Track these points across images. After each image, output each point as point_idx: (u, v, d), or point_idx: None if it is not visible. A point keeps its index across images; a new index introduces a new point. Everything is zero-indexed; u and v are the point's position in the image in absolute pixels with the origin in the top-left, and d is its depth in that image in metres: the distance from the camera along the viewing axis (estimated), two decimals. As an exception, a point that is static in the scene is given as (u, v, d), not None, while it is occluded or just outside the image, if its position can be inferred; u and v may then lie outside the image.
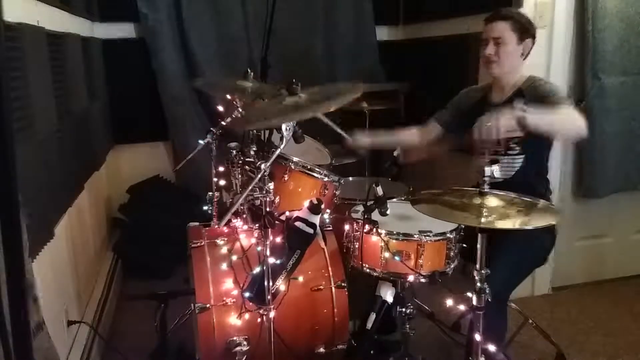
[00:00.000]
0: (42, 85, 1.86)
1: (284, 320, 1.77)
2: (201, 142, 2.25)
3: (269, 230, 1.55)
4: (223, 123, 2.23)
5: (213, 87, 2.82)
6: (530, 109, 1.66)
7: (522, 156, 2.04)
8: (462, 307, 1.95)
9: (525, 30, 2.02)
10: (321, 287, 1.91)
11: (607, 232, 3.08)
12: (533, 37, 2.04)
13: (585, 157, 2.80)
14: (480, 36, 2.10)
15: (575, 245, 3.00)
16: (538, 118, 1.67)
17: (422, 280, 1.81)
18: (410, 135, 2.34)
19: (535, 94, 1.98)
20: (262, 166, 1.50)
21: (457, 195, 1.60)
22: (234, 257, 1.85)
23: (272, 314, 1.61)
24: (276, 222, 1.57)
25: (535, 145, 2.03)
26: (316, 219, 1.70)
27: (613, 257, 3.10)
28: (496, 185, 1.57)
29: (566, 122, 1.78)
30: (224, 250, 1.91)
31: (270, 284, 1.59)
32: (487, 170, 1.51)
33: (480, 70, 2.73)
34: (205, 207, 2.31)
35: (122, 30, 3.41)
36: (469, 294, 1.56)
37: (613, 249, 3.10)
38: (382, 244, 1.79)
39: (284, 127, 1.53)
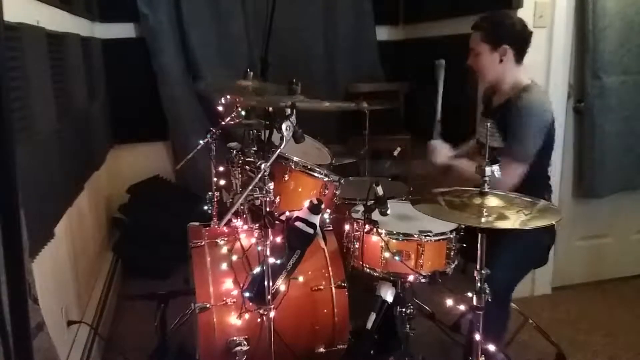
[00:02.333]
0: (42, 85, 1.86)
1: (284, 320, 1.77)
2: (201, 142, 2.25)
3: (269, 230, 1.55)
4: (223, 123, 2.23)
5: (214, 89, 2.82)
6: (457, 159, 2.01)
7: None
8: (462, 307, 1.95)
9: (500, 38, 1.98)
10: (321, 287, 1.91)
11: (607, 232, 3.08)
12: (513, 41, 1.99)
13: (585, 157, 2.80)
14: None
15: (575, 245, 3.00)
16: (458, 169, 2.01)
17: (422, 280, 1.81)
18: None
19: (511, 112, 1.95)
20: (262, 166, 1.50)
21: (457, 195, 1.60)
22: (234, 257, 1.85)
23: (272, 314, 1.61)
24: (276, 222, 1.57)
25: None
26: (316, 219, 1.70)
27: (613, 257, 3.10)
28: None
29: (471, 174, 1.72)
30: (224, 250, 1.91)
31: (270, 284, 1.59)
32: (487, 170, 1.51)
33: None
34: (205, 207, 2.31)
35: (122, 30, 3.41)
36: (469, 294, 1.56)
37: (613, 249, 3.09)
38: (382, 244, 1.79)
39: (284, 127, 1.53)
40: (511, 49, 2.00)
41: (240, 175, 2.06)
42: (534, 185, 2.05)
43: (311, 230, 1.69)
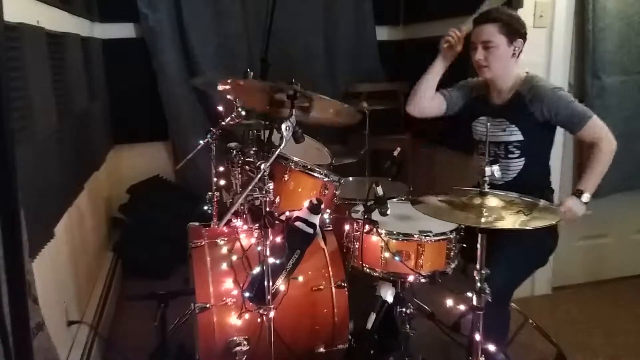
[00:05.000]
0: (42, 85, 1.86)
1: (284, 320, 1.77)
2: (201, 142, 2.25)
3: (269, 230, 1.55)
4: (223, 123, 2.23)
5: (213, 86, 2.82)
6: (585, 191, 2.00)
7: (522, 159, 2.04)
8: (462, 307, 1.95)
9: (515, 31, 1.98)
10: (321, 287, 1.91)
11: (607, 232, 3.08)
12: (523, 36, 2.01)
13: (586, 157, 2.80)
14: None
15: (575, 245, 3.00)
16: (593, 187, 2.02)
17: (422, 280, 1.81)
18: (431, 83, 2.27)
19: (540, 99, 1.97)
20: (262, 166, 1.50)
21: (457, 195, 1.60)
22: (234, 257, 1.85)
23: (272, 314, 1.61)
24: (276, 222, 1.57)
25: (536, 147, 2.02)
26: (316, 219, 1.70)
27: (613, 257, 3.10)
28: (497, 187, 1.57)
29: (607, 162, 2.01)
30: (224, 250, 1.91)
31: (270, 284, 1.59)
32: (487, 170, 1.51)
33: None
34: (205, 207, 2.31)
35: (122, 30, 3.41)
36: (469, 294, 1.56)
37: (613, 249, 3.09)
38: (382, 244, 1.79)
39: (284, 127, 1.53)
40: (522, 44, 2.01)
41: (240, 175, 2.06)
42: (539, 177, 2.12)
43: (311, 230, 1.69)
